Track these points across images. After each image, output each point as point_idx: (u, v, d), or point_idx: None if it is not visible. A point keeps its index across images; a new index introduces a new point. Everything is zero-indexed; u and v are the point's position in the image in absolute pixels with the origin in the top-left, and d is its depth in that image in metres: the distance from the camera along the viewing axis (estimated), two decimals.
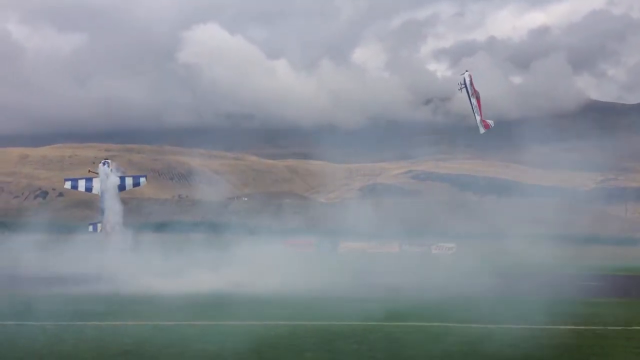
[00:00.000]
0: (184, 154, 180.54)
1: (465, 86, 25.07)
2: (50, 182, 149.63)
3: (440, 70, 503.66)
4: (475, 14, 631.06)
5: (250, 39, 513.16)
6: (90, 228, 27.66)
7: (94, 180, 25.76)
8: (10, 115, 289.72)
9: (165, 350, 11.87)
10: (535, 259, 35.83)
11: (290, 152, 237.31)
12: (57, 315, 15.32)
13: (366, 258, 42.61)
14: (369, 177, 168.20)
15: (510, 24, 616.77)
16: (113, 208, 24.88)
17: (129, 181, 26.60)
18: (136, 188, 28.53)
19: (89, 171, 26.49)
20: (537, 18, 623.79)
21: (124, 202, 25.84)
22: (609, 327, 14.99)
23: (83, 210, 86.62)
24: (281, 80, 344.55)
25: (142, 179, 27.70)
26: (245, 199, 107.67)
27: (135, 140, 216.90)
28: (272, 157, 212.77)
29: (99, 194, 25.49)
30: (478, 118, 25.11)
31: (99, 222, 26.18)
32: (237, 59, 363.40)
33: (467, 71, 25.47)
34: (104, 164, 25.90)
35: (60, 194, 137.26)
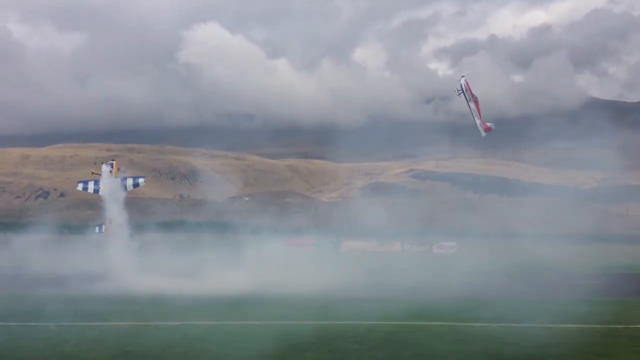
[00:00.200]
0: (185, 153, 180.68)
1: (463, 91, 25.29)
2: (51, 182, 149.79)
3: (442, 69, 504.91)
4: (476, 13, 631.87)
5: (251, 38, 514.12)
6: (97, 229, 27.68)
7: (101, 181, 25.80)
8: (11, 115, 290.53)
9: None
10: (540, 258, 35.86)
11: (292, 152, 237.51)
12: (81, 316, 15.57)
13: (376, 258, 42.58)
14: (370, 176, 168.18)
15: (511, 23, 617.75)
16: (115, 209, 24.87)
17: (129, 182, 26.60)
18: (137, 188, 28.46)
19: (93, 173, 26.44)
20: (538, 16, 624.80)
21: (124, 202, 25.77)
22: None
23: (85, 210, 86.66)
24: (282, 79, 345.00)
25: (141, 180, 27.68)
26: (247, 198, 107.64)
27: (137, 140, 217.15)
28: (274, 157, 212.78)
29: (104, 195, 25.50)
30: (478, 122, 25.41)
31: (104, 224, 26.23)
32: (237, 59, 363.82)
33: (463, 77, 25.79)
34: (108, 164, 25.90)
35: (62, 194, 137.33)
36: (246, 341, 12.95)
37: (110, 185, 25.29)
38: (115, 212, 24.72)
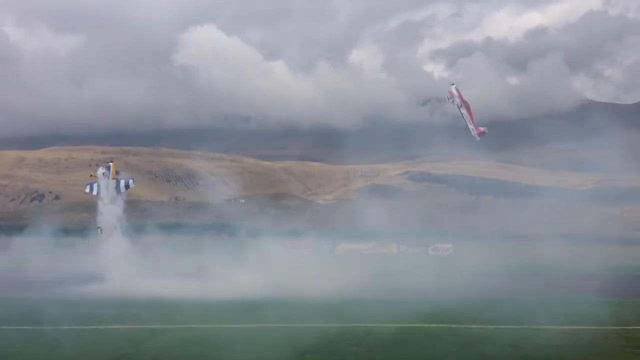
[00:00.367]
0: (181, 156, 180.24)
1: (454, 98, 25.85)
2: (46, 185, 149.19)
3: (438, 71, 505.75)
4: (472, 15, 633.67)
5: (248, 40, 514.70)
6: (99, 231, 27.70)
7: (97, 183, 25.87)
8: (7, 117, 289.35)
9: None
10: (538, 259, 35.99)
11: (288, 154, 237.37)
12: (101, 319, 15.59)
13: (374, 260, 42.61)
14: (366, 178, 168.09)
15: (507, 25, 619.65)
16: (113, 211, 24.93)
17: (122, 183, 26.65)
18: (132, 190, 28.51)
19: (91, 175, 26.45)
20: (534, 19, 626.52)
21: (121, 204, 25.77)
22: None
23: (80, 213, 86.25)
24: (278, 81, 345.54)
25: (131, 181, 27.79)
26: (243, 200, 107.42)
27: (132, 142, 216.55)
28: (270, 159, 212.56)
29: (102, 197, 25.55)
30: (471, 127, 25.97)
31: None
32: (234, 61, 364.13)
33: (453, 84, 26.57)
34: (105, 167, 25.92)
35: (57, 197, 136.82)
36: (280, 343, 12.89)
37: (106, 188, 25.31)
38: (113, 214, 24.75)
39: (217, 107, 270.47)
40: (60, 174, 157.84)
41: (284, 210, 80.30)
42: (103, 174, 25.59)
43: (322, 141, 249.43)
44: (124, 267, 23.34)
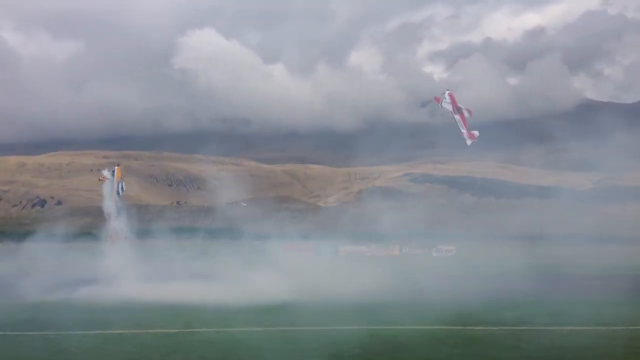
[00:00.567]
0: (182, 159, 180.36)
1: (443, 102, 26.50)
2: (48, 190, 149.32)
3: (437, 72, 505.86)
4: (470, 16, 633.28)
5: (246, 43, 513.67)
6: (109, 236, 27.83)
7: (104, 186, 26.12)
8: (7, 123, 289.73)
9: None
10: (539, 259, 35.99)
11: (289, 157, 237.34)
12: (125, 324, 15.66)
13: (379, 262, 42.59)
14: (367, 180, 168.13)
15: (506, 26, 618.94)
16: (118, 215, 25.10)
17: (119, 187, 26.91)
18: (133, 194, 28.77)
19: (99, 180, 26.66)
20: (532, 19, 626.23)
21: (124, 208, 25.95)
22: None
23: (82, 218, 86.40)
24: (278, 84, 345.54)
25: (122, 183, 28.11)
26: (244, 204, 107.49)
27: (133, 146, 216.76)
28: (271, 162, 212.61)
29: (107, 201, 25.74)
30: (464, 132, 26.68)
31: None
32: (233, 64, 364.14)
33: (447, 90, 27.07)
34: (110, 170, 26.13)
35: (59, 202, 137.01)
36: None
37: (110, 191, 25.51)
38: (119, 218, 24.93)
39: (217, 110, 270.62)
40: (62, 179, 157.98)
41: (286, 213, 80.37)
42: (102, 179, 25.75)
43: (322, 143, 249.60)
44: (139, 271, 23.45)
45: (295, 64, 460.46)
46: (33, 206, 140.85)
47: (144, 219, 72.29)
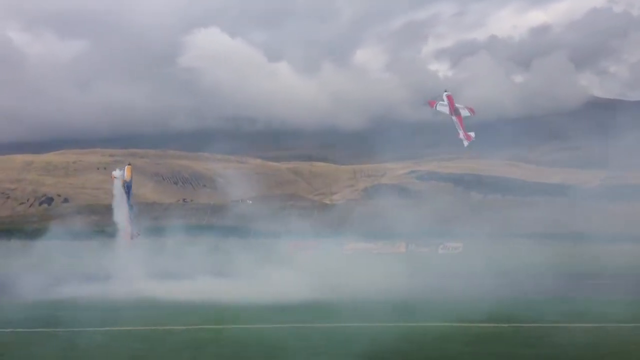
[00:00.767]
0: (187, 158, 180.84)
1: (438, 105, 26.73)
2: (55, 188, 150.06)
3: (442, 70, 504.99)
4: (475, 14, 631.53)
5: (251, 42, 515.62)
6: (121, 233, 27.97)
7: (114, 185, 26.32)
8: (14, 122, 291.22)
9: None
10: (543, 258, 35.87)
11: (294, 155, 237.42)
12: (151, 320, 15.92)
13: (389, 260, 42.63)
14: (372, 178, 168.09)
15: (511, 23, 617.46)
16: (127, 213, 25.24)
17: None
18: (140, 192, 28.98)
19: (113, 177, 26.82)
20: (537, 16, 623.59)
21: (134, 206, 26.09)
22: None
23: (89, 216, 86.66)
24: (283, 82, 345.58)
25: (131, 182, 28.23)
26: (250, 201, 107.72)
27: (139, 145, 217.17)
28: (276, 160, 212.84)
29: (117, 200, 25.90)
30: (461, 133, 26.91)
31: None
32: (238, 63, 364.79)
33: (446, 91, 27.19)
34: (122, 169, 26.30)
35: (66, 200, 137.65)
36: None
37: (120, 189, 25.67)
38: (130, 216, 25.07)
39: (222, 108, 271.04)
40: (69, 177, 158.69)
41: (292, 211, 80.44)
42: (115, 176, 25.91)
43: (328, 141, 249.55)
44: (159, 267, 23.59)
45: (300, 62, 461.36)
46: (40, 204, 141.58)
47: (150, 217, 72.53)
